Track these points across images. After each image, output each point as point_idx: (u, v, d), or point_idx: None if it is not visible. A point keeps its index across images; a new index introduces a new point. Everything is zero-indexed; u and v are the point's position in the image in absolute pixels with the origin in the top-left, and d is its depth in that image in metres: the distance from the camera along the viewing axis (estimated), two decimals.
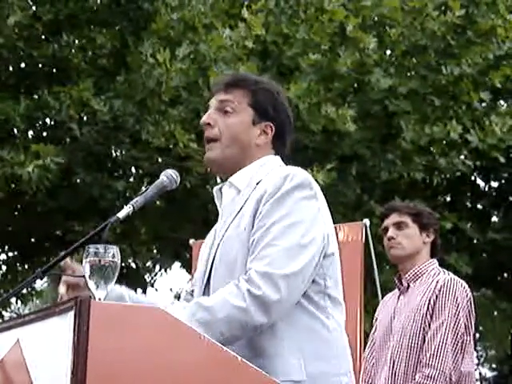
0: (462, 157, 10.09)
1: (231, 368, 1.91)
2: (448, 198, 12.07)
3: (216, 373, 1.89)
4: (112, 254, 1.99)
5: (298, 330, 2.22)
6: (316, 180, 2.41)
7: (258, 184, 2.33)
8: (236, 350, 1.95)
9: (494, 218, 12.22)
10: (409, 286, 3.84)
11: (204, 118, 2.44)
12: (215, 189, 2.49)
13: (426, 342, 3.64)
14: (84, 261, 1.99)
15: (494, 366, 24.07)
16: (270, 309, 2.13)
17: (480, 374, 22.51)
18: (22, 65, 9.84)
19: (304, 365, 2.19)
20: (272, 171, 2.35)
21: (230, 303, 2.11)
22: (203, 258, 2.42)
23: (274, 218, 2.21)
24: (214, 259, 2.33)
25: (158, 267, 14.90)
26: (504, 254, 11.34)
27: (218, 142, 2.41)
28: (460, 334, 3.64)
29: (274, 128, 2.44)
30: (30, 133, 9.88)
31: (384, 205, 4.52)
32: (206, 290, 2.33)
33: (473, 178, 11.99)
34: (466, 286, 3.75)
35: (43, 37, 9.52)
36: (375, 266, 6.39)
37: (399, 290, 3.90)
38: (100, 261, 1.98)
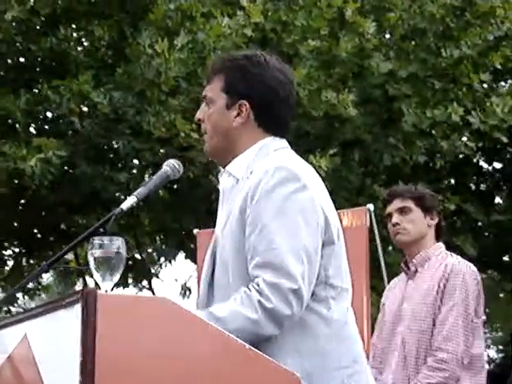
0: (464, 139, 10.06)
1: (239, 355, 1.91)
2: (452, 181, 12.05)
3: (225, 361, 1.89)
4: (117, 245, 1.99)
5: (294, 327, 2.16)
6: (319, 166, 2.39)
7: (251, 174, 2.27)
8: None
9: (498, 200, 12.20)
10: (416, 270, 3.82)
11: (196, 115, 2.44)
12: (219, 175, 2.46)
13: (437, 325, 3.63)
14: (89, 253, 1.99)
15: (500, 347, 24.08)
16: (281, 322, 2.10)
17: (488, 355, 22.53)
18: (21, 59, 9.83)
19: (301, 362, 2.14)
20: (262, 162, 2.27)
21: (241, 314, 2.08)
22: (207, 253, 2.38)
23: (265, 220, 2.14)
24: (215, 256, 2.30)
25: (162, 258, 14.92)
26: (509, 235, 11.32)
27: (207, 135, 2.41)
28: (470, 316, 3.63)
29: (249, 105, 2.33)
30: (32, 127, 9.87)
31: (388, 189, 4.51)
32: (211, 289, 2.30)
33: (476, 159, 11.97)
34: (475, 269, 3.74)
35: (41, 31, 9.49)
36: (380, 251, 6.39)
37: (407, 274, 3.88)
38: (105, 253, 1.98)
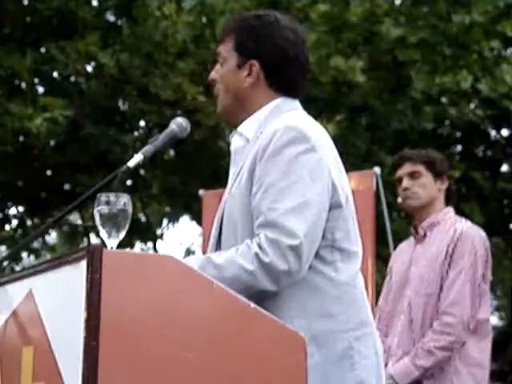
0: (473, 106, 10.02)
1: (244, 314, 1.91)
2: (459, 148, 12.02)
3: (228, 319, 1.89)
4: (123, 202, 1.98)
5: (301, 288, 2.17)
6: (326, 131, 2.34)
7: (261, 134, 2.25)
8: None
9: (505, 167, 12.18)
10: (425, 234, 3.81)
11: (210, 75, 2.42)
12: (231, 136, 2.43)
13: (444, 289, 3.63)
14: (95, 209, 1.98)
15: (503, 315, 24.18)
16: (278, 278, 2.09)
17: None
18: (28, 18, 9.77)
19: (308, 324, 2.14)
20: (273, 122, 2.25)
21: (238, 263, 2.09)
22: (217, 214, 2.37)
23: (270, 180, 2.14)
24: (222, 216, 2.29)
25: (165, 221, 14.95)
26: None
27: (219, 97, 2.40)
28: (478, 281, 3.62)
29: (258, 65, 2.33)
30: (38, 87, 9.84)
31: (394, 155, 4.48)
32: (218, 249, 2.29)
33: (483, 127, 11.92)
34: (484, 234, 3.72)
35: None
36: (386, 216, 6.37)
37: (415, 238, 3.87)
38: (111, 209, 1.96)
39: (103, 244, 1.97)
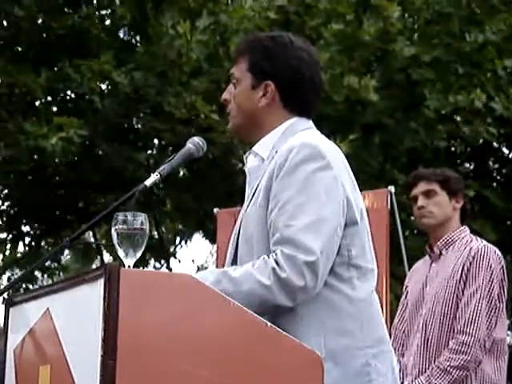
0: (486, 124, 10.00)
1: (260, 333, 1.91)
2: (472, 166, 11.99)
3: (245, 338, 1.89)
4: (140, 221, 1.98)
5: (318, 306, 2.17)
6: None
7: (276, 153, 2.27)
8: None
9: None
10: (441, 253, 3.80)
11: (223, 95, 2.44)
12: (245, 156, 2.45)
13: (460, 308, 3.62)
14: (113, 228, 1.98)
15: None
16: (294, 294, 2.10)
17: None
18: (42, 37, 9.82)
19: (324, 341, 2.14)
20: (289, 141, 2.26)
21: (254, 277, 2.09)
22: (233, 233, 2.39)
23: (286, 197, 2.15)
24: (239, 234, 2.31)
25: (178, 239, 14.96)
26: None
27: (230, 115, 2.41)
28: (494, 300, 3.61)
29: (274, 86, 2.33)
30: (52, 105, 9.89)
31: (407, 173, 4.48)
32: (234, 265, 2.29)
33: (497, 145, 11.89)
34: (499, 253, 3.71)
35: (63, 8, 9.49)
36: (400, 234, 6.36)
37: (431, 257, 3.86)
38: (129, 228, 1.97)
39: (120, 263, 1.97)
